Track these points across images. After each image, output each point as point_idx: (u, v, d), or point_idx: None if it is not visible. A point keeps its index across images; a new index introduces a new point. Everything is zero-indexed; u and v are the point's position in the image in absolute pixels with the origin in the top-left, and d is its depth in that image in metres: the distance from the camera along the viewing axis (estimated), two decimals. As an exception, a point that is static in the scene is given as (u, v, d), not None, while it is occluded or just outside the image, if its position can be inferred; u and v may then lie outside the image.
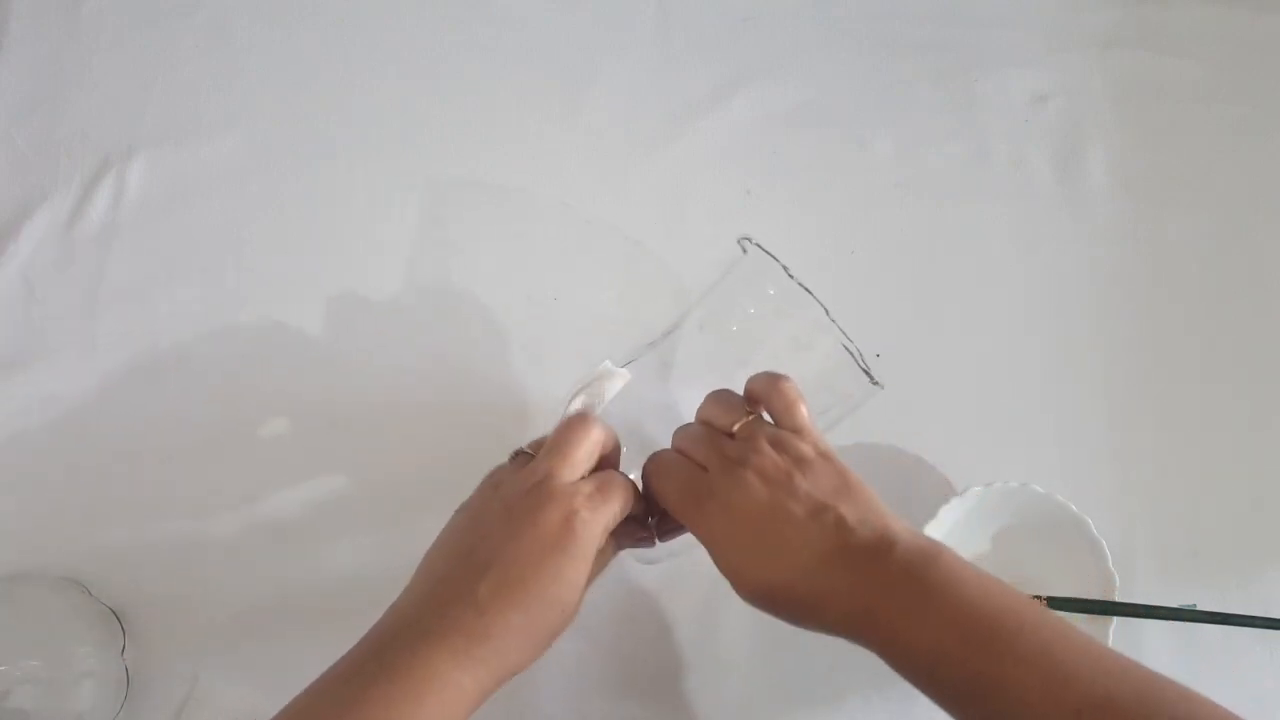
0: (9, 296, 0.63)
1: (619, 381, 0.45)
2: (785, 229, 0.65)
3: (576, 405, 0.45)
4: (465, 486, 0.59)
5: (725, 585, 0.57)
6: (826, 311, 0.47)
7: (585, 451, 0.43)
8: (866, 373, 0.47)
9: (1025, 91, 0.68)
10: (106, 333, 0.62)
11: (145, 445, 0.60)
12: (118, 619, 0.56)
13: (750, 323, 0.51)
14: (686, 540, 0.46)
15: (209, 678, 0.56)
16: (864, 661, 0.56)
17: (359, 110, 0.68)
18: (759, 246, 0.48)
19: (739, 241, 0.48)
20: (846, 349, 0.47)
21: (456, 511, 0.45)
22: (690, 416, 0.47)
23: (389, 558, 0.58)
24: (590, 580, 0.42)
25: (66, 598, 0.56)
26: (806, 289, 0.47)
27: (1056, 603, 0.53)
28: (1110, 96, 0.68)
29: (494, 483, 0.44)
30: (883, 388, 0.47)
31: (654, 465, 0.45)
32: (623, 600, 0.57)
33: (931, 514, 0.53)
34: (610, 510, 0.42)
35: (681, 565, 0.57)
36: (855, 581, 0.39)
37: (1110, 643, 0.52)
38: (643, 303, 0.63)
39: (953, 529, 0.54)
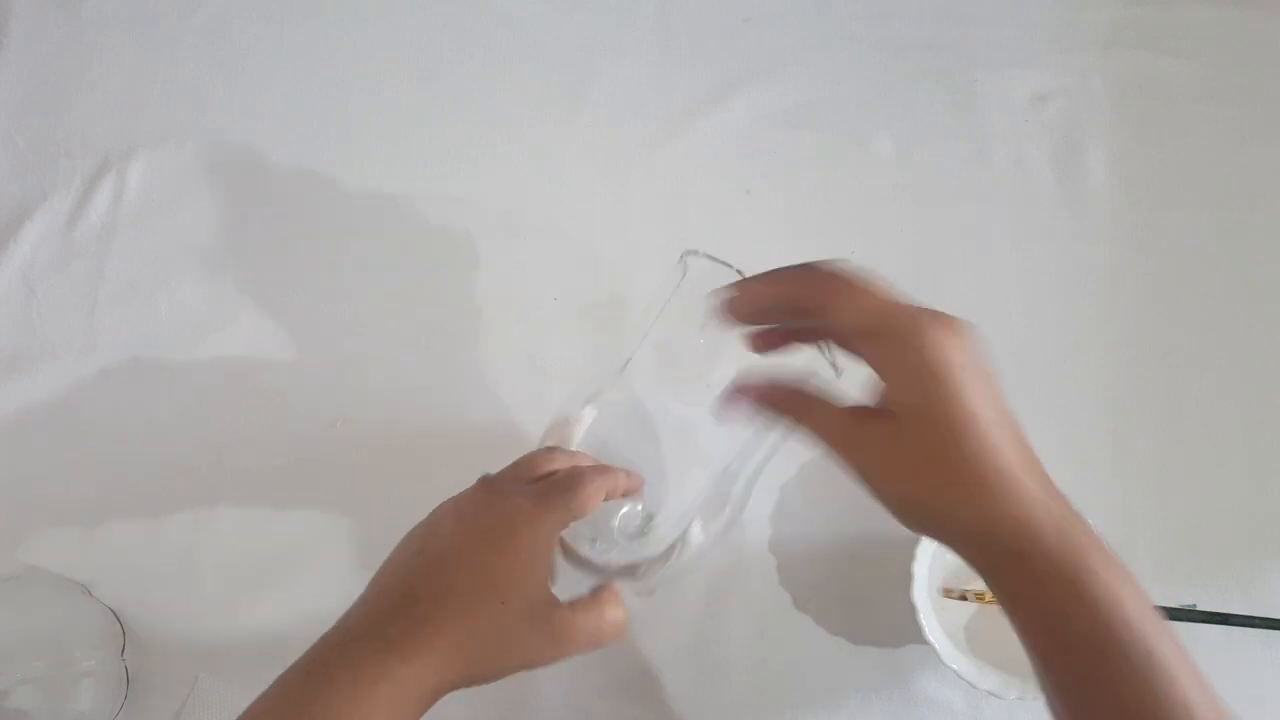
0: (9, 296, 0.63)
1: (582, 425, 0.46)
2: (785, 229, 0.65)
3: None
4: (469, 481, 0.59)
5: (725, 585, 0.57)
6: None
7: (539, 465, 0.43)
8: (832, 364, 0.43)
9: (1025, 91, 0.68)
10: (106, 333, 0.62)
11: (145, 445, 0.60)
12: (118, 619, 0.56)
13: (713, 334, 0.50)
14: (677, 568, 0.46)
15: (209, 678, 0.56)
16: (864, 661, 0.56)
17: (359, 110, 0.68)
18: (710, 257, 0.45)
19: (683, 258, 0.46)
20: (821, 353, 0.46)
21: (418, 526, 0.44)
22: (662, 433, 0.47)
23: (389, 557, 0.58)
24: (579, 625, 0.40)
25: (66, 598, 0.56)
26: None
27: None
28: (1110, 96, 0.68)
29: (456, 498, 0.43)
30: (840, 374, 0.44)
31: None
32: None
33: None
34: (566, 506, 0.40)
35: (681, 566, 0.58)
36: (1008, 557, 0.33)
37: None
38: (642, 303, 0.63)
39: (953, 529, 0.54)
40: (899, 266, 0.64)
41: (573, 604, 0.40)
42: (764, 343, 0.38)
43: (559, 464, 0.44)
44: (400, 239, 0.64)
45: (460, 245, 0.65)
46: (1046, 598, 0.33)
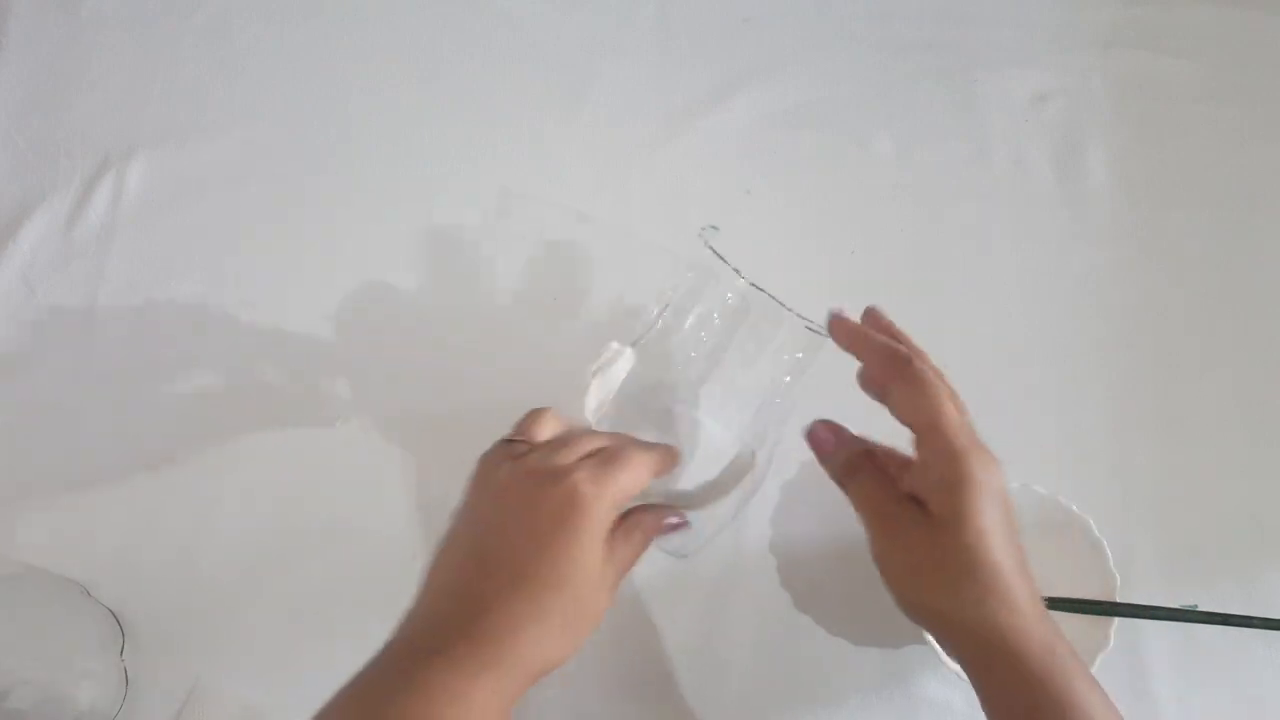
0: (9, 296, 0.63)
1: (626, 362, 0.45)
2: (785, 229, 0.65)
3: (593, 390, 0.45)
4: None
5: (724, 585, 0.57)
6: (783, 305, 0.46)
7: (582, 442, 0.41)
8: (817, 331, 0.45)
9: (1025, 91, 0.68)
10: (106, 333, 0.62)
11: (145, 445, 0.60)
12: (117, 619, 0.56)
13: (715, 332, 0.50)
14: (718, 526, 0.46)
15: (209, 678, 0.56)
16: (864, 661, 0.56)
17: (359, 110, 0.68)
18: (711, 249, 0.46)
19: (701, 232, 0.47)
20: (810, 329, 0.46)
21: (454, 514, 0.43)
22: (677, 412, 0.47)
23: (389, 557, 0.58)
24: (621, 569, 0.40)
25: (66, 598, 0.56)
26: (759, 288, 0.46)
27: (1059, 603, 0.53)
28: (1110, 96, 0.68)
29: (486, 479, 0.42)
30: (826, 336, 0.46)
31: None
32: (622, 600, 0.57)
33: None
34: (617, 482, 0.39)
35: (681, 566, 0.58)
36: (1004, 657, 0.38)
37: (1111, 643, 0.52)
38: (642, 303, 0.63)
39: (953, 529, 0.54)
40: (899, 266, 0.64)
41: (611, 538, 0.40)
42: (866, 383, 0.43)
43: (600, 442, 0.42)
44: (400, 239, 0.64)
45: (460, 245, 0.65)
46: (1026, 694, 0.37)
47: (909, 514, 0.39)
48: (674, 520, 0.43)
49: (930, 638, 0.51)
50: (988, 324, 0.63)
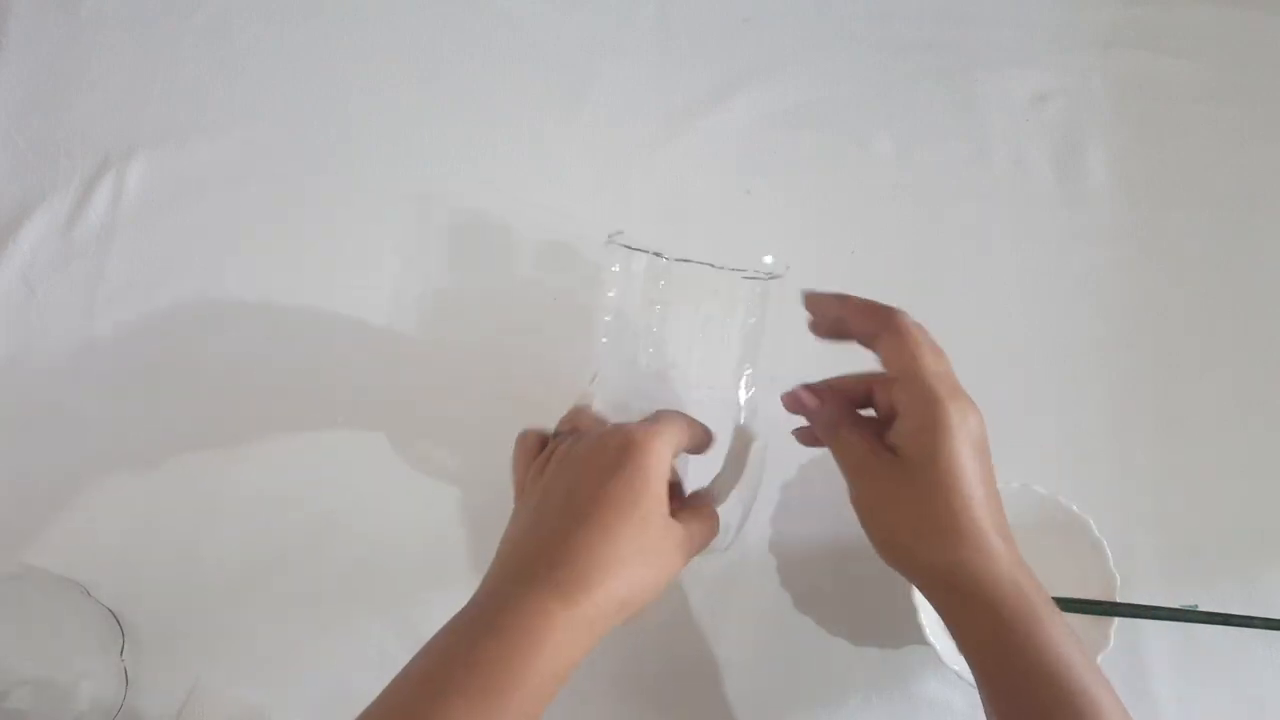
0: (9, 296, 0.63)
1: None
2: (785, 229, 0.65)
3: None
4: (471, 489, 0.59)
5: (725, 586, 0.57)
6: (713, 265, 0.48)
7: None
8: (770, 275, 0.48)
9: (1025, 91, 0.68)
10: (106, 333, 0.62)
11: (145, 445, 0.60)
12: (117, 619, 0.56)
13: (664, 322, 0.51)
14: (744, 512, 0.48)
15: (209, 678, 0.56)
16: (864, 661, 0.56)
17: (359, 110, 0.68)
18: (625, 246, 0.48)
19: (609, 239, 0.48)
20: (751, 278, 0.48)
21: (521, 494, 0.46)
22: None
23: (389, 556, 0.58)
24: (692, 537, 0.42)
25: (66, 598, 0.56)
26: (685, 260, 0.48)
27: (1058, 603, 0.53)
28: (1110, 96, 0.68)
29: (546, 460, 0.45)
30: (784, 273, 0.48)
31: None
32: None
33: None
34: (669, 431, 0.43)
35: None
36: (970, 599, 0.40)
37: (1111, 643, 0.52)
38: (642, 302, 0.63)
39: (953, 529, 0.54)
40: (899, 266, 0.64)
41: (679, 514, 0.43)
42: (824, 333, 0.45)
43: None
44: (400, 239, 0.64)
45: (460, 245, 0.65)
46: (998, 637, 0.39)
47: (887, 461, 0.41)
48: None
49: (930, 637, 0.51)
50: (988, 324, 0.63)
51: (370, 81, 0.68)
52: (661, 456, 0.41)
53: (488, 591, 0.40)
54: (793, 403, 0.45)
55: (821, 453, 0.60)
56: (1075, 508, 0.53)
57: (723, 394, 0.50)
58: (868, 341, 0.43)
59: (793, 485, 0.59)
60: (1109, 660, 0.52)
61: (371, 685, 0.56)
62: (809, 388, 0.45)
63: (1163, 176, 0.66)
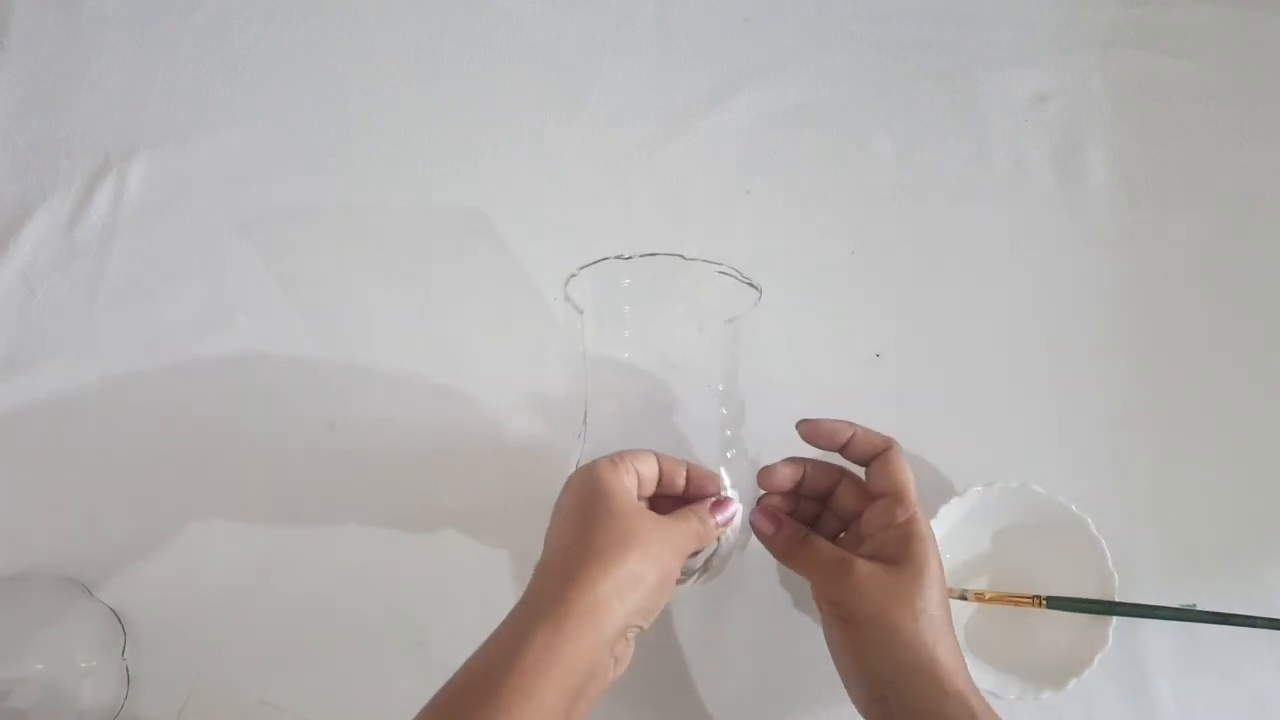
0: (9, 297, 0.63)
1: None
2: (785, 229, 0.65)
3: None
4: (468, 486, 0.59)
5: (725, 586, 0.57)
6: (683, 256, 0.49)
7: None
8: (750, 284, 0.50)
9: (1025, 91, 0.68)
10: (106, 333, 0.62)
11: (145, 445, 0.60)
12: (118, 619, 0.56)
13: (638, 326, 0.52)
14: (734, 534, 0.49)
15: (209, 678, 0.56)
16: (864, 661, 0.56)
17: (359, 110, 0.68)
18: (575, 276, 0.49)
19: (565, 287, 0.50)
20: (725, 274, 0.50)
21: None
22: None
23: (389, 556, 0.58)
24: (680, 538, 0.45)
25: (66, 598, 0.56)
26: (647, 254, 0.49)
27: (1057, 602, 0.53)
28: (1110, 96, 0.68)
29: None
30: (760, 291, 0.51)
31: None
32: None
33: (932, 514, 0.53)
34: (638, 456, 0.47)
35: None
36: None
37: (1110, 642, 0.52)
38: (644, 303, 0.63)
39: (953, 529, 0.54)
40: (899, 266, 0.64)
41: (665, 520, 0.46)
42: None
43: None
44: (400, 238, 0.64)
45: (460, 245, 0.65)
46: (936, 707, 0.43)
47: (857, 562, 0.46)
48: (722, 496, 0.49)
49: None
50: (987, 324, 0.63)
51: (370, 81, 0.68)
52: (621, 477, 0.45)
53: (519, 615, 0.43)
54: (755, 526, 0.50)
55: (821, 452, 0.61)
56: (1074, 507, 0.53)
57: (705, 397, 0.51)
58: (860, 460, 0.49)
59: (792, 485, 0.59)
60: (1109, 660, 0.52)
61: (371, 685, 0.57)
62: (765, 513, 0.50)
63: (1163, 176, 0.66)
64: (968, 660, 0.51)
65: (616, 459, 0.46)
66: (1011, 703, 0.51)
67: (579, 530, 0.43)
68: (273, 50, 0.69)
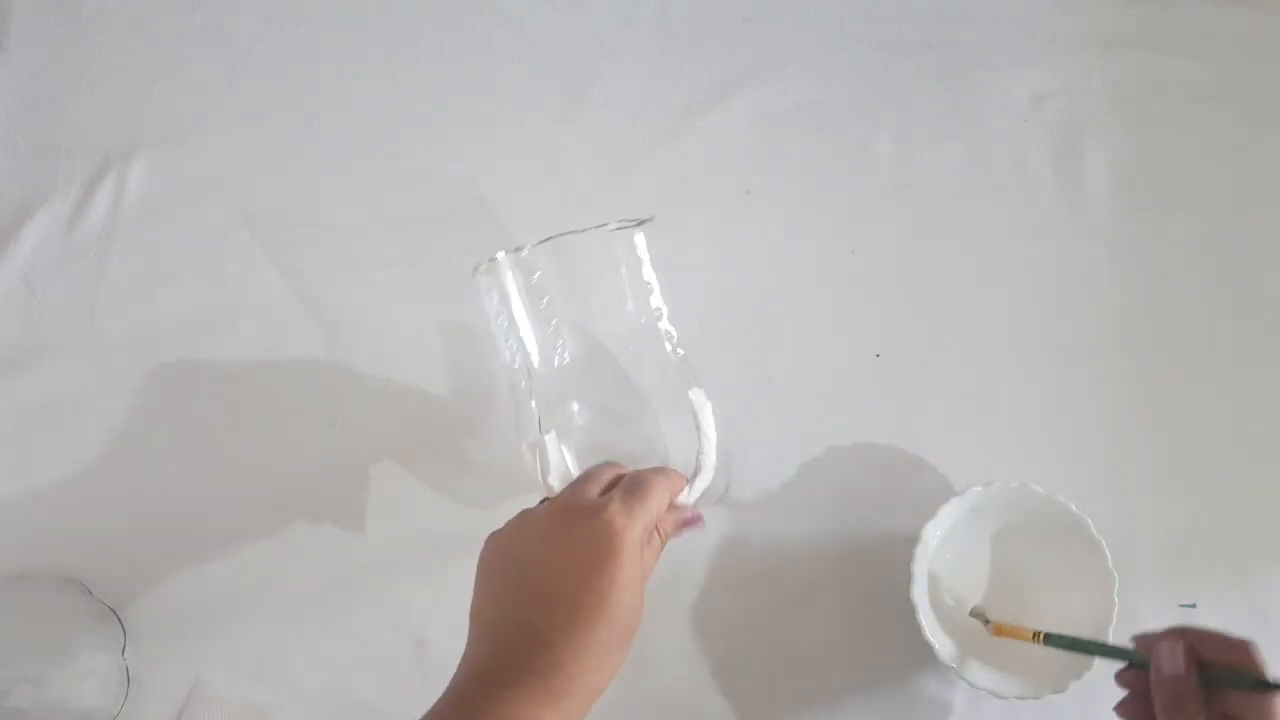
0: (9, 296, 0.63)
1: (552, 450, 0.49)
2: (785, 229, 0.65)
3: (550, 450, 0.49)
4: (470, 486, 0.59)
5: (725, 585, 0.57)
6: (579, 230, 0.49)
7: (603, 474, 0.44)
8: (637, 223, 0.50)
9: (1025, 91, 0.68)
10: (106, 333, 0.62)
11: (145, 445, 0.60)
12: (118, 619, 0.56)
13: (561, 310, 0.51)
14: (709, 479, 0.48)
15: (209, 678, 0.56)
16: (864, 661, 0.56)
17: (359, 110, 0.68)
18: (491, 261, 0.49)
19: (476, 270, 0.50)
20: (617, 229, 0.49)
21: (487, 548, 0.44)
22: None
23: (389, 556, 0.58)
24: (645, 576, 0.42)
25: (66, 598, 0.56)
26: (550, 237, 0.49)
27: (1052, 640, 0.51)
28: (1110, 96, 0.68)
29: (524, 517, 0.44)
30: (647, 220, 0.51)
31: None
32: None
33: (931, 514, 0.53)
34: (646, 509, 0.42)
35: (681, 565, 0.58)
36: None
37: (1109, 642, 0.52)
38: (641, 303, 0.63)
39: (953, 529, 0.54)
40: (899, 266, 0.64)
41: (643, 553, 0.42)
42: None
43: (617, 470, 0.46)
44: (399, 238, 0.64)
45: (459, 244, 0.64)
46: None
47: None
48: (688, 517, 0.47)
49: (930, 637, 0.51)
50: (987, 324, 0.63)
51: (370, 82, 0.68)
52: (638, 545, 0.41)
53: (474, 683, 0.40)
54: (1160, 660, 0.42)
55: (822, 452, 0.61)
56: (1074, 507, 0.53)
57: (651, 346, 0.51)
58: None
59: (793, 484, 0.59)
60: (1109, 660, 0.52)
61: (372, 685, 0.57)
62: (1172, 636, 0.42)
63: (1162, 176, 0.66)
64: (968, 660, 0.52)
65: (636, 511, 0.41)
66: (1012, 702, 0.51)
67: (590, 628, 0.39)
68: (273, 50, 0.69)
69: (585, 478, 0.45)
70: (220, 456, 0.60)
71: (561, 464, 0.48)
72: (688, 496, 0.48)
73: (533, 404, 0.49)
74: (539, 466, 0.48)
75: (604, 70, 0.68)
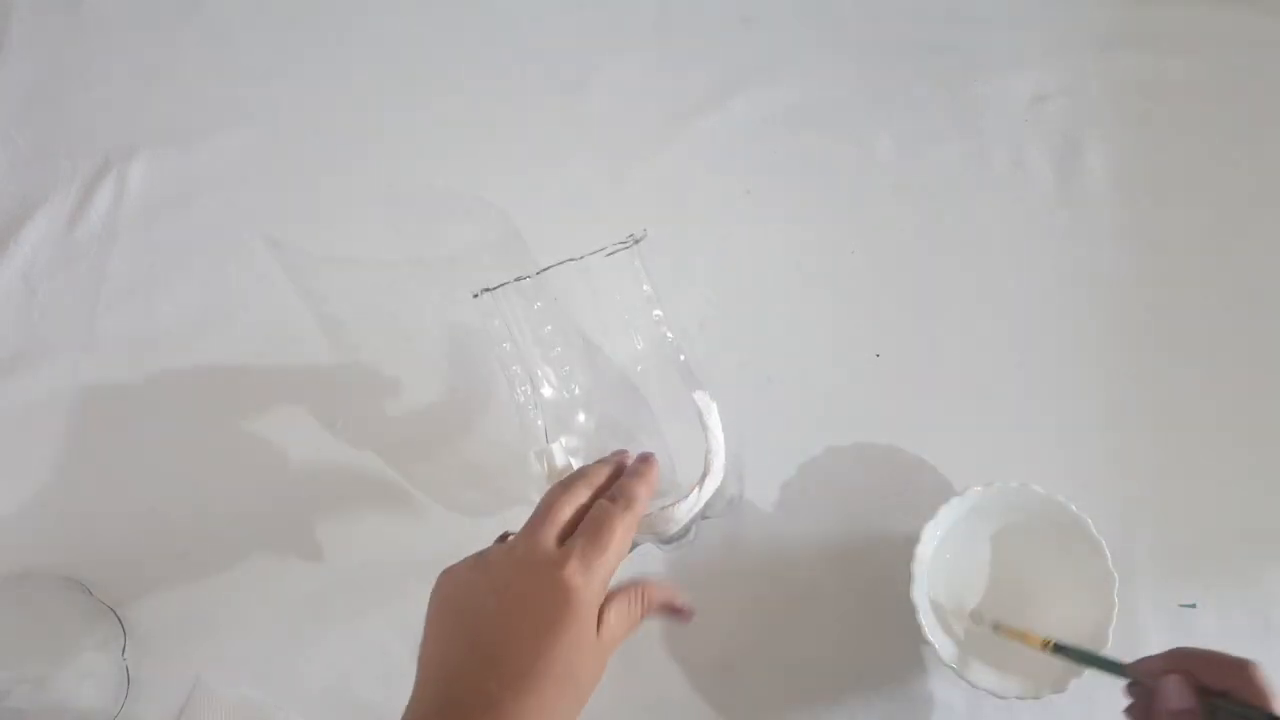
0: (9, 296, 0.63)
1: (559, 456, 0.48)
2: (785, 229, 0.65)
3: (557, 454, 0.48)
4: (471, 487, 0.59)
5: (725, 585, 0.57)
6: (582, 257, 0.50)
7: (562, 513, 0.42)
8: (629, 243, 0.50)
9: (1025, 91, 0.68)
10: (106, 333, 0.62)
11: (145, 445, 0.60)
12: (118, 619, 0.56)
13: (565, 338, 0.52)
14: (699, 524, 0.48)
15: (209, 678, 0.56)
16: (864, 661, 0.56)
17: (359, 110, 0.68)
18: (488, 291, 0.50)
19: (477, 295, 0.50)
20: (613, 252, 0.50)
21: (440, 590, 0.42)
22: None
23: (390, 557, 0.58)
24: (615, 641, 0.41)
25: (66, 598, 0.56)
26: (548, 267, 0.50)
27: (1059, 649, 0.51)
28: (1110, 96, 0.68)
29: (481, 562, 0.42)
30: (641, 237, 0.51)
31: None
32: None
33: (931, 514, 0.53)
34: (605, 561, 0.40)
35: (680, 565, 0.58)
36: None
37: (1110, 643, 0.52)
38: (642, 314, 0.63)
39: (952, 529, 0.54)
40: (899, 266, 0.64)
41: (605, 618, 0.41)
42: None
43: (579, 497, 0.43)
44: (399, 238, 0.64)
45: (459, 245, 0.65)
46: None
47: None
48: (677, 606, 0.44)
49: (930, 637, 0.51)
50: (988, 324, 0.63)
51: (370, 82, 0.68)
52: (594, 604, 0.40)
53: None
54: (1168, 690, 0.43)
55: (822, 452, 0.61)
56: (1074, 507, 0.53)
57: (654, 353, 0.51)
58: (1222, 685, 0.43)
59: (793, 484, 0.59)
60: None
61: (372, 685, 0.57)
62: (1174, 659, 0.44)
63: (1162, 176, 0.66)
64: (969, 660, 0.51)
65: (592, 568, 0.40)
66: (1012, 702, 0.51)
67: (540, 694, 0.38)
68: (273, 50, 0.69)
69: (546, 515, 0.42)
70: (220, 457, 0.60)
71: (569, 471, 0.48)
72: (698, 498, 0.48)
73: (540, 422, 0.49)
74: (547, 474, 0.48)
75: (604, 69, 0.68)
